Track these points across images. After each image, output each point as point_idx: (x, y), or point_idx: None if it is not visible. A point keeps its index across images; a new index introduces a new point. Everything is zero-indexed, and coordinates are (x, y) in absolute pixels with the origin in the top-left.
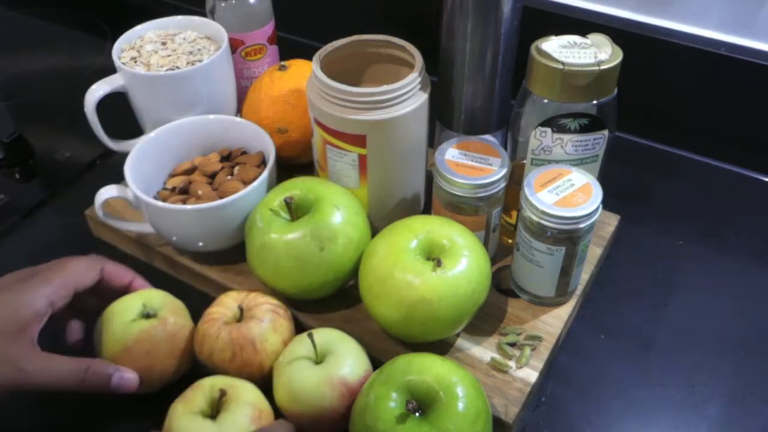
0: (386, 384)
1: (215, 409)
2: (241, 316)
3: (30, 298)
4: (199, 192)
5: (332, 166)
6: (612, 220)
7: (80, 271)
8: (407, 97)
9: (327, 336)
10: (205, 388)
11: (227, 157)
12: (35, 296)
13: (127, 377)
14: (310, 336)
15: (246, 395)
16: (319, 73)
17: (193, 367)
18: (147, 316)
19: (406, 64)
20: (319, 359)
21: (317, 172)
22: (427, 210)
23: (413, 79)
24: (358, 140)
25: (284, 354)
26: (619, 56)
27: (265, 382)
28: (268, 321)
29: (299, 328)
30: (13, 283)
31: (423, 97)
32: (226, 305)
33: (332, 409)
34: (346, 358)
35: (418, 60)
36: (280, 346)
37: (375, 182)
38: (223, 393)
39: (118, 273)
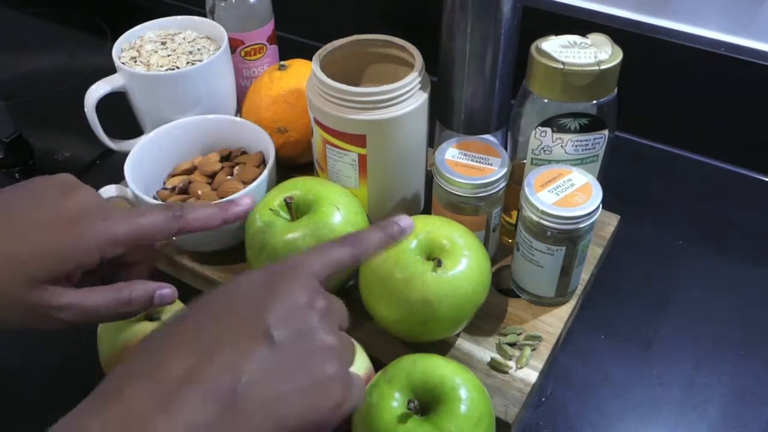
0: (390, 383)
1: None
2: None
3: (89, 243)
4: (199, 192)
5: (332, 166)
6: (612, 220)
7: (156, 226)
8: (407, 96)
9: None
10: None
11: (227, 157)
12: (95, 243)
13: (166, 293)
14: None
15: None
16: (319, 72)
17: None
18: (150, 318)
19: (406, 64)
20: None
21: (317, 172)
22: (427, 210)
23: (413, 78)
24: (358, 140)
25: None
26: (619, 56)
27: None
28: None
29: None
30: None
31: (423, 97)
32: None
33: None
34: None
35: (418, 60)
36: None
37: (375, 182)
38: None
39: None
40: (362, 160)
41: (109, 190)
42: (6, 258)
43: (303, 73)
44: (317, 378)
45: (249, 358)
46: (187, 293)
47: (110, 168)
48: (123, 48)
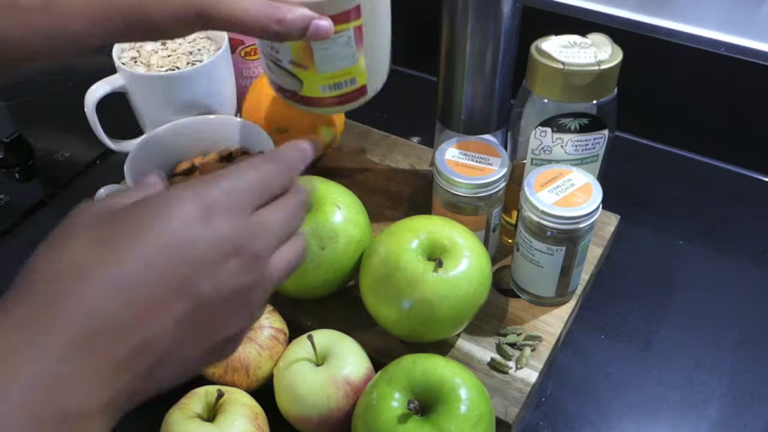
0: (390, 383)
1: (212, 414)
2: None
3: None
4: None
5: (322, 57)
6: (612, 220)
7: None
8: None
9: (325, 337)
10: (200, 394)
11: (227, 157)
12: None
13: (323, 24)
14: (310, 338)
15: (240, 398)
16: None
17: None
18: None
19: None
20: (319, 361)
21: (288, 84)
22: (427, 210)
23: None
24: (354, 13)
25: (283, 358)
26: (619, 56)
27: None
28: (267, 348)
29: (299, 328)
30: None
31: None
32: None
33: (338, 409)
34: (346, 358)
35: None
36: (271, 373)
37: (371, 48)
38: (221, 394)
39: None
40: (358, 32)
41: (109, 191)
42: None
43: None
44: (221, 340)
45: (164, 320)
46: None
47: (110, 168)
48: (123, 48)
